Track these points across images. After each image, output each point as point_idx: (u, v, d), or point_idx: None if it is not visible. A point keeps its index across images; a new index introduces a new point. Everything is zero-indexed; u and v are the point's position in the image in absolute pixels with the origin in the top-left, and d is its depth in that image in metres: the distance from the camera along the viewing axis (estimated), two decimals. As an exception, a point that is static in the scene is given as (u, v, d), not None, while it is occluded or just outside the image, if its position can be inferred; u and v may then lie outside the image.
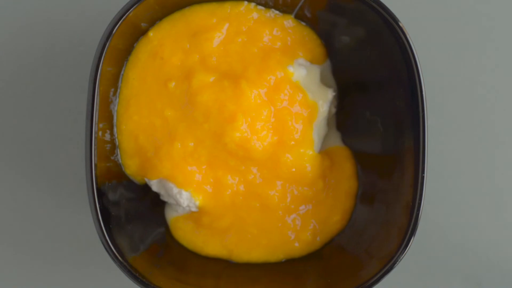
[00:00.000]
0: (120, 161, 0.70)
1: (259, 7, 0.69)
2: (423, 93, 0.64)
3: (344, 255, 0.69)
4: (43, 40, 0.76)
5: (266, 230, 0.70)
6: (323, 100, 0.69)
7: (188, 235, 0.71)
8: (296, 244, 0.71)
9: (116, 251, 0.64)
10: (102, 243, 0.64)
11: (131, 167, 0.70)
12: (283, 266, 0.71)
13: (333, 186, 0.71)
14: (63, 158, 0.76)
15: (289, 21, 0.70)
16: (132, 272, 0.64)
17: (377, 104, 0.69)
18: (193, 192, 0.68)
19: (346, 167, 0.71)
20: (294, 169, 0.69)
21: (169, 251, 0.71)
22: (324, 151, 0.71)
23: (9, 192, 0.77)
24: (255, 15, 0.69)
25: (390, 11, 0.64)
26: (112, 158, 0.69)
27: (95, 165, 0.64)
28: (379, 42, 0.67)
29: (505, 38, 0.78)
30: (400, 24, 0.64)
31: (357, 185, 0.71)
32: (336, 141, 0.72)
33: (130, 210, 0.70)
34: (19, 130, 0.77)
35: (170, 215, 0.72)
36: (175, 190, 0.68)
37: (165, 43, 0.68)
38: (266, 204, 0.69)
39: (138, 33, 0.69)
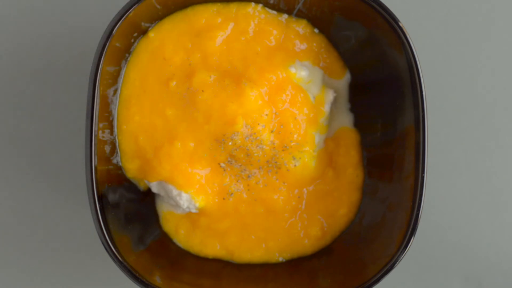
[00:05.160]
0: (120, 163, 0.69)
1: (267, 8, 0.69)
2: (423, 93, 0.64)
3: (346, 255, 0.69)
4: (43, 40, 0.76)
5: (272, 232, 0.70)
6: (324, 101, 0.69)
7: (181, 235, 0.71)
8: (306, 242, 0.70)
9: (116, 251, 0.64)
10: (102, 243, 0.64)
11: (132, 170, 0.69)
12: (285, 265, 0.70)
13: (340, 176, 0.70)
14: (63, 158, 0.76)
15: (301, 27, 0.69)
16: (132, 272, 0.64)
17: (377, 104, 0.69)
18: (193, 194, 0.68)
19: (353, 154, 0.70)
20: (297, 171, 0.68)
21: (169, 251, 0.71)
22: (330, 138, 0.71)
23: (9, 192, 0.77)
24: (262, 16, 0.69)
25: (390, 11, 0.64)
26: (112, 160, 0.69)
27: (95, 165, 0.64)
28: (379, 43, 0.67)
29: (505, 38, 0.78)
30: (400, 24, 0.64)
31: (363, 175, 0.70)
32: (346, 121, 0.71)
33: (130, 210, 0.70)
34: (19, 130, 0.77)
35: (163, 210, 0.71)
36: (174, 192, 0.68)
37: (166, 43, 0.68)
38: (271, 209, 0.69)
39: (139, 33, 0.68)
